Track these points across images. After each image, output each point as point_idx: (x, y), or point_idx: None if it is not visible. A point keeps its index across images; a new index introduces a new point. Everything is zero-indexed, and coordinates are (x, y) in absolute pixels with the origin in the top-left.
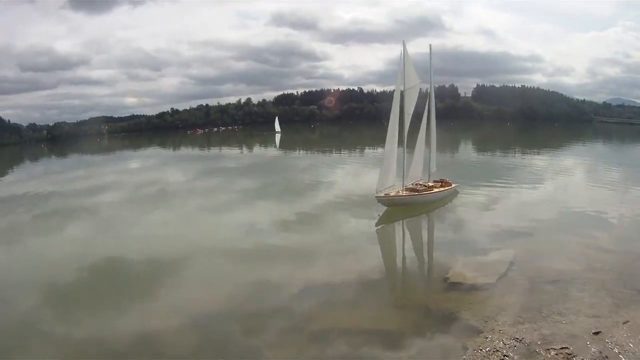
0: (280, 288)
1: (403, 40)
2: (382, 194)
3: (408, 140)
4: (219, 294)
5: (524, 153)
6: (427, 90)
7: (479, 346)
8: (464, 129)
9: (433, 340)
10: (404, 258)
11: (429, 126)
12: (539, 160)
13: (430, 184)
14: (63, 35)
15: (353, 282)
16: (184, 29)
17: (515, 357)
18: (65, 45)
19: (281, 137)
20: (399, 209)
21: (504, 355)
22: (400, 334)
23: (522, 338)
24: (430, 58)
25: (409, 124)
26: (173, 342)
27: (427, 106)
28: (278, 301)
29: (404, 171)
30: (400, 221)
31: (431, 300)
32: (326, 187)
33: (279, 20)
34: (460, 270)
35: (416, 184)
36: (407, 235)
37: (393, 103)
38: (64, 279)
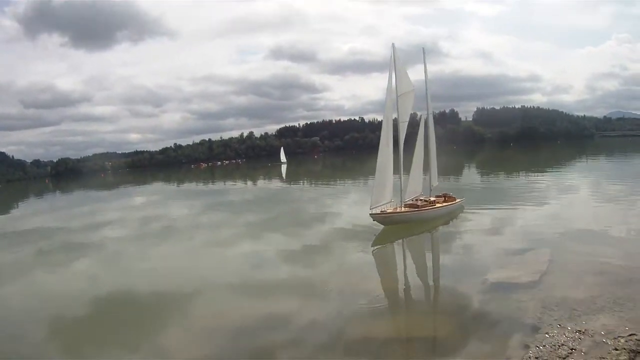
0: (289, 320)
1: (392, 44)
2: (378, 211)
3: (406, 153)
4: (227, 327)
5: (528, 174)
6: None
7: (542, 343)
8: (466, 153)
9: (489, 342)
10: (421, 273)
11: (428, 137)
12: (543, 180)
13: (432, 198)
14: (64, 72)
15: (373, 302)
16: (183, 65)
17: (583, 349)
18: (67, 83)
19: (287, 167)
20: (398, 227)
21: (570, 349)
22: (451, 339)
23: (585, 330)
24: (425, 64)
25: (404, 133)
26: None
27: (422, 121)
28: (287, 333)
29: (401, 185)
30: (400, 240)
31: (475, 303)
32: (331, 217)
33: (277, 53)
34: (498, 270)
35: (416, 199)
36: (413, 253)
37: (385, 110)
38: (71, 315)
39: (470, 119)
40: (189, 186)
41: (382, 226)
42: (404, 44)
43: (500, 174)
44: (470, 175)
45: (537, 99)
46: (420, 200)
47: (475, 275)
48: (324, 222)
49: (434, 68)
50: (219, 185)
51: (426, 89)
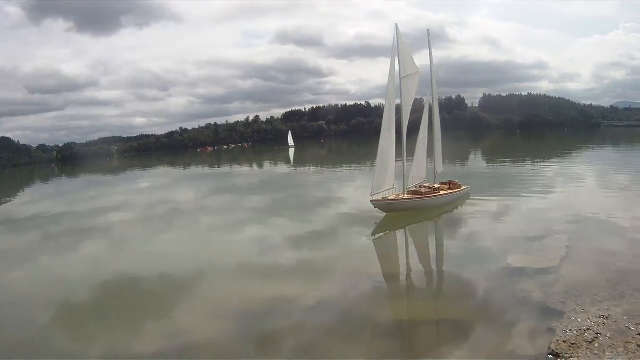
0: (294, 303)
1: (395, 24)
2: (379, 197)
3: (409, 138)
4: (233, 310)
5: (534, 161)
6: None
7: (567, 327)
8: (472, 139)
9: (515, 326)
10: (436, 259)
11: (433, 122)
12: (549, 168)
13: (437, 186)
14: (69, 57)
15: (385, 285)
16: (189, 49)
17: (608, 334)
18: (72, 68)
19: (294, 152)
20: (400, 214)
21: (596, 334)
22: (477, 324)
23: (609, 315)
24: (430, 47)
25: (408, 117)
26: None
27: (427, 105)
28: (292, 316)
29: (404, 171)
30: (404, 228)
31: (496, 287)
32: (337, 202)
33: (283, 37)
34: (519, 256)
35: (420, 186)
36: (421, 240)
37: (387, 92)
38: (78, 298)
39: (477, 106)
40: (195, 170)
41: (384, 213)
42: (411, 29)
43: (507, 162)
44: (477, 162)
45: (544, 87)
46: (424, 187)
47: (496, 260)
48: (329, 206)
49: (440, 54)
50: (225, 169)
51: (431, 73)
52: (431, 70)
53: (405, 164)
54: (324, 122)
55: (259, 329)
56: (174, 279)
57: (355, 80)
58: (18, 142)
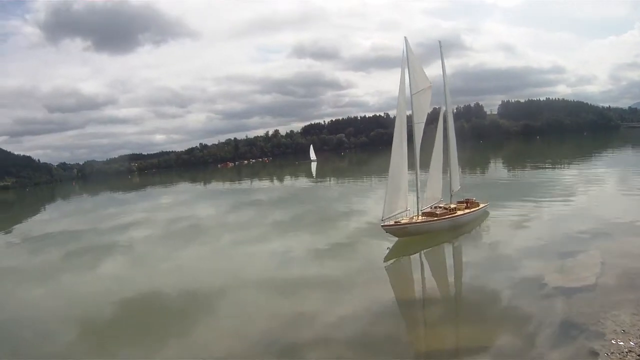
0: (316, 318)
1: (405, 37)
2: (391, 222)
3: (422, 152)
4: (255, 326)
5: (555, 167)
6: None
7: (609, 349)
8: (493, 147)
9: (557, 349)
10: (451, 283)
11: (448, 136)
12: (571, 173)
13: (453, 205)
14: (88, 76)
15: (410, 306)
16: (206, 65)
17: None
18: (90, 86)
19: (316, 165)
20: (414, 238)
21: (638, 356)
22: (516, 346)
23: None
24: (442, 54)
25: (421, 134)
26: None
27: (441, 116)
28: (314, 332)
29: (417, 192)
30: (417, 253)
31: (535, 308)
32: (358, 215)
33: (300, 51)
34: (555, 274)
35: (435, 207)
36: (435, 265)
37: (398, 109)
38: (100, 315)
39: (496, 113)
40: (216, 186)
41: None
42: (425, 37)
43: (527, 169)
44: (497, 171)
45: (562, 91)
46: (440, 207)
47: (532, 280)
48: (350, 220)
49: (457, 62)
50: (245, 184)
51: (444, 85)
52: (444, 83)
53: (419, 184)
54: (344, 135)
55: (282, 345)
56: (195, 295)
57: (373, 92)
58: (38, 160)
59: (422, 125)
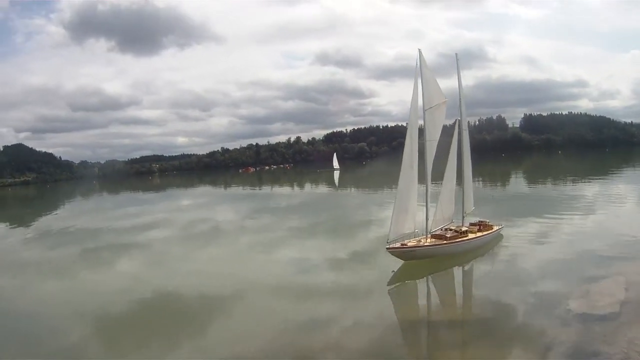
0: (329, 325)
1: (419, 49)
2: (397, 244)
3: (435, 174)
4: (269, 330)
5: (575, 182)
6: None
7: None
8: (514, 160)
9: None
10: (459, 310)
11: (462, 155)
12: (592, 189)
13: (464, 228)
14: (111, 76)
15: (424, 321)
16: (230, 70)
17: None
18: (114, 87)
19: (339, 174)
20: (422, 261)
21: None
22: None
23: None
24: (458, 67)
25: (433, 153)
26: None
27: (456, 131)
28: (327, 337)
29: (427, 213)
30: (424, 278)
31: (559, 335)
32: (377, 225)
33: (323, 59)
34: (579, 300)
35: (445, 229)
36: (443, 292)
37: (409, 127)
38: (114, 312)
39: (517, 126)
40: (236, 190)
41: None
42: (449, 48)
43: (548, 183)
44: (517, 185)
45: (584, 105)
46: (451, 230)
47: (548, 308)
48: (369, 229)
49: (480, 73)
50: (266, 189)
51: (460, 101)
52: (460, 99)
53: (429, 204)
54: (366, 144)
55: (295, 349)
56: (211, 296)
57: (396, 101)
58: (60, 157)
59: (435, 143)
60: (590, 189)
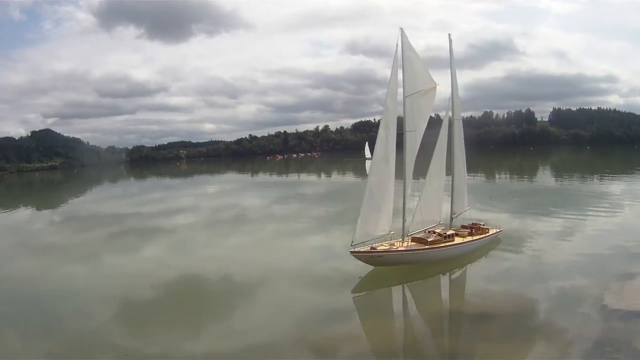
0: (351, 315)
1: (400, 28)
2: (364, 248)
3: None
4: (292, 317)
5: (604, 179)
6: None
7: None
8: (542, 154)
9: None
10: (438, 327)
11: (453, 148)
12: (618, 186)
13: (451, 231)
14: (139, 63)
15: (449, 313)
16: (258, 58)
17: None
18: (142, 73)
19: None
20: (398, 267)
21: None
22: None
23: None
24: (451, 49)
25: (417, 145)
26: None
27: (445, 121)
28: (350, 327)
29: (404, 213)
30: (399, 286)
31: (594, 331)
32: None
33: (352, 48)
34: (614, 296)
35: (429, 231)
36: (421, 304)
37: (385, 114)
38: (139, 296)
39: (546, 120)
40: (263, 177)
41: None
42: (478, 39)
43: (575, 179)
44: (544, 179)
45: (614, 101)
46: (434, 233)
47: (590, 301)
48: (395, 220)
49: (510, 66)
50: (292, 177)
51: (452, 88)
52: (452, 86)
53: (407, 203)
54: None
55: (316, 336)
56: (235, 282)
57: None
58: (87, 143)
59: (417, 135)
60: (617, 186)
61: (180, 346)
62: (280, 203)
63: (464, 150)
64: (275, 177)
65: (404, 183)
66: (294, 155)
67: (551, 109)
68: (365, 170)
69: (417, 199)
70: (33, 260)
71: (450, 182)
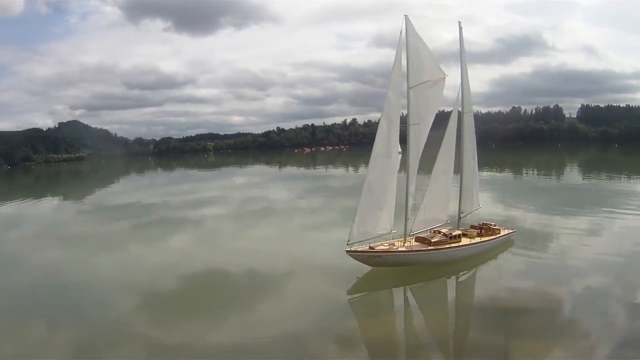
0: (378, 309)
1: (405, 15)
2: (361, 247)
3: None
4: (316, 310)
5: (631, 178)
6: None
7: None
8: (570, 151)
9: None
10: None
11: (462, 143)
12: None
13: (457, 232)
14: (167, 56)
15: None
16: (286, 50)
17: None
18: (170, 65)
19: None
20: (400, 268)
21: None
22: None
23: None
24: (461, 38)
25: (423, 140)
26: (265, 354)
27: (454, 114)
28: (374, 321)
29: (406, 211)
30: (401, 288)
31: (623, 330)
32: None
33: (379, 41)
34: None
35: (434, 231)
36: (424, 309)
37: (385, 107)
38: (163, 286)
39: (575, 116)
40: (291, 170)
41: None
42: (506, 34)
43: (602, 177)
44: (572, 177)
45: None
46: (440, 233)
47: (619, 300)
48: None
49: (539, 61)
50: (320, 170)
51: (461, 80)
52: (462, 78)
53: (411, 201)
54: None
55: (340, 329)
56: (260, 274)
57: (451, 86)
58: (115, 134)
59: (423, 128)
60: None
61: (203, 336)
62: (307, 196)
63: (474, 146)
64: (302, 170)
65: (407, 179)
66: (322, 149)
67: (579, 106)
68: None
69: (422, 196)
70: (60, 250)
71: (460, 180)
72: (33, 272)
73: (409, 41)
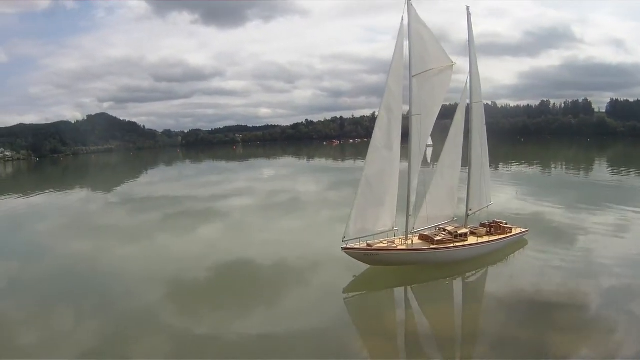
0: (401, 301)
1: (407, 1)
2: (361, 244)
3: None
4: (343, 302)
5: None
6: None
7: None
8: (599, 146)
9: None
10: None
11: (471, 136)
12: None
13: (464, 230)
14: (195, 48)
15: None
16: (314, 43)
17: None
18: (198, 58)
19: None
20: (401, 267)
21: None
22: None
23: None
24: (469, 24)
25: (428, 132)
26: (290, 346)
27: (461, 105)
28: (400, 316)
29: (408, 207)
30: (402, 288)
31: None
32: (462, 202)
33: (406, 34)
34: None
35: (439, 229)
36: (425, 311)
37: (384, 96)
38: (190, 277)
39: (604, 110)
40: (319, 162)
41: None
42: (535, 27)
43: (631, 174)
44: (600, 173)
45: None
46: (445, 231)
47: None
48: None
49: (567, 54)
50: (348, 162)
51: (470, 66)
52: (470, 64)
53: (414, 197)
54: (450, 121)
55: (362, 328)
56: (287, 265)
57: (480, 79)
58: (144, 126)
59: (423, 119)
60: None
61: (227, 325)
62: (335, 188)
63: (485, 139)
64: (331, 162)
65: (409, 174)
66: (350, 141)
67: (607, 100)
68: (427, 157)
69: (426, 192)
70: (89, 240)
71: (468, 175)
72: (62, 261)
73: (411, 27)
